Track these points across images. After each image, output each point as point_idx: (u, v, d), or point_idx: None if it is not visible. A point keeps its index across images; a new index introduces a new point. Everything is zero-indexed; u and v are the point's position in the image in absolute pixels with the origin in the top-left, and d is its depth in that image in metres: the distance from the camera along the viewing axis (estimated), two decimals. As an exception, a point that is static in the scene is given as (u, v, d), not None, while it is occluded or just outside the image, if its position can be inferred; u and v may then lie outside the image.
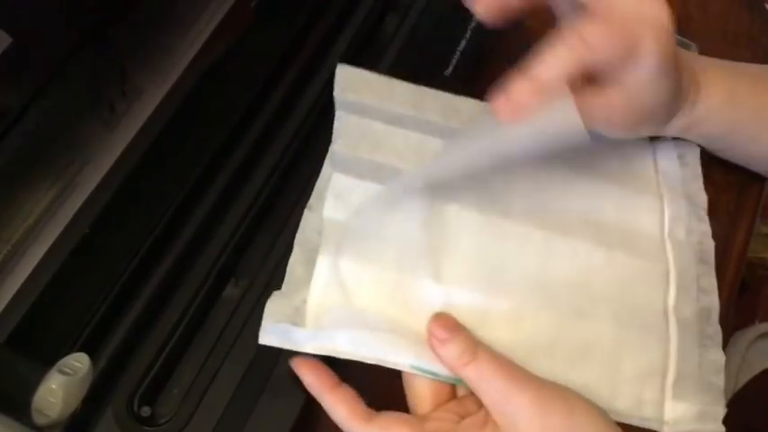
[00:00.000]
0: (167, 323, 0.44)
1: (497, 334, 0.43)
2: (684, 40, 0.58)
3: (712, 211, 0.51)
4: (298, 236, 0.45)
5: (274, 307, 0.41)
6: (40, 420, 0.39)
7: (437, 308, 0.43)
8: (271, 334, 0.41)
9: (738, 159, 0.53)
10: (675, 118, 0.49)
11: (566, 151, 0.43)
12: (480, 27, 0.53)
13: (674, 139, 0.52)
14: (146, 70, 0.51)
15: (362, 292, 0.43)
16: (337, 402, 0.40)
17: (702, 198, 0.51)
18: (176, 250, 0.45)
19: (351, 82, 0.50)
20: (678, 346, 0.46)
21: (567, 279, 0.46)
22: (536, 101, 0.39)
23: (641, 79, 0.43)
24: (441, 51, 0.53)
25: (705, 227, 0.50)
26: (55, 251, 0.45)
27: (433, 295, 0.43)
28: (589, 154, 0.50)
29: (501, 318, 0.44)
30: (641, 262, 0.48)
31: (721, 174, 0.54)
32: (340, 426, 0.40)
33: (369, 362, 0.41)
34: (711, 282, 0.48)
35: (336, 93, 0.50)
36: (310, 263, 0.44)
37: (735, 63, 0.51)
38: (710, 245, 0.50)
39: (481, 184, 0.48)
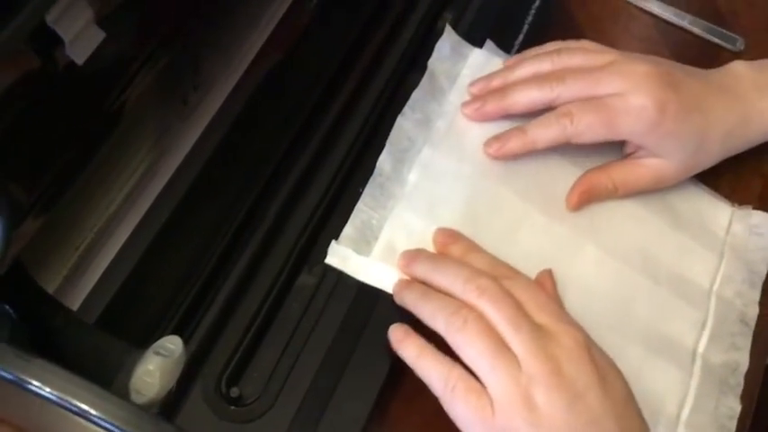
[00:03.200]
0: (249, 309, 0.45)
1: None
2: (731, 34, 0.60)
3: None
4: (390, 136, 0.50)
5: (351, 229, 0.47)
6: (137, 400, 0.40)
7: None
8: (335, 256, 0.46)
9: None
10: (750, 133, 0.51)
11: (647, 191, 0.51)
12: (543, 6, 0.57)
13: (756, 209, 0.54)
14: (216, 64, 0.53)
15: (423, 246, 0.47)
16: None
17: (763, 268, 0.52)
18: (255, 239, 0.47)
19: (480, 67, 0.54)
20: (699, 384, 0.48)
21: (606, 293, 0.49)
22: (522, 153, 0.50)
23: (650, 150, 0.50)
24: (510, 26, 0.56)
25: (755, 295, 0.51)
26: (134, 241, 0.47)
27: None
28: (667, 200, 0.53)
29: None
30: (682, 304, 0.50)
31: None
32: None
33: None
34: (746, 342, 0.50)
35: (465, 71, 0.54)
36: (398, 162, 0.50)
37: None
38: (755, 310, 0.51)
39: (557, 192, 0.51)
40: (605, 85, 0.48)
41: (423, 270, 0.45)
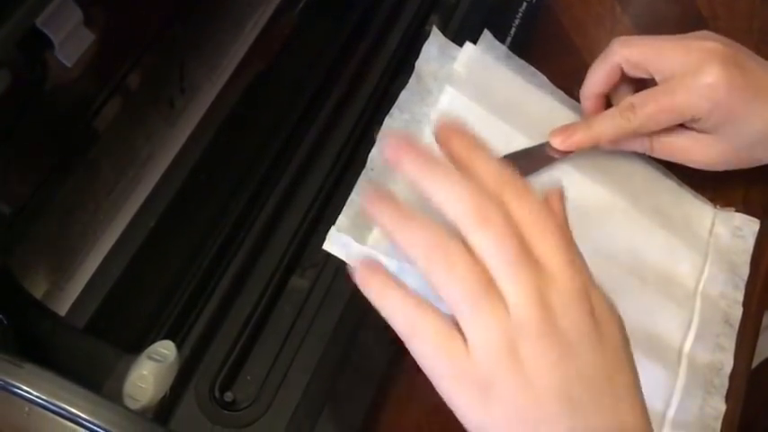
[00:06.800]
0: (241, 313, 0.45)
1: None
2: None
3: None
4: (380, 134, 0.48)
5: (345, 219, 0.44)
6: (131, 405, 0.40)
7: None
8: (334, 243, 0.43)
9: None
10: None
11: (636, 191, 0.52)
12: (529, 10, 0.57)
13: (739, 211, 0.55)
14: (202, 67, 0.52)
15: None
16: None
17: (745, 270, 0.53)
18: (247, 242, 0.47)
19: (472, 61, 0.53)
20: (684, 384, 0.48)
21: None
22: (587, 147, 0.50)
23: (716, 132, 0.50)
24: (497, 29, 0.56)
25: (739, 295, 0.52)
26: (122, 246, 0.47)
27: None
28: (656, 199, 0.54)
29: None
30: (669, 303, 0.50)
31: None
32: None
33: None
34: (730, 343, 0.50)
35: (456, 66, 0.53)
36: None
37: None
38: (739, 311, 0.52)
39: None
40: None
41: (415, 171, 0.38)
